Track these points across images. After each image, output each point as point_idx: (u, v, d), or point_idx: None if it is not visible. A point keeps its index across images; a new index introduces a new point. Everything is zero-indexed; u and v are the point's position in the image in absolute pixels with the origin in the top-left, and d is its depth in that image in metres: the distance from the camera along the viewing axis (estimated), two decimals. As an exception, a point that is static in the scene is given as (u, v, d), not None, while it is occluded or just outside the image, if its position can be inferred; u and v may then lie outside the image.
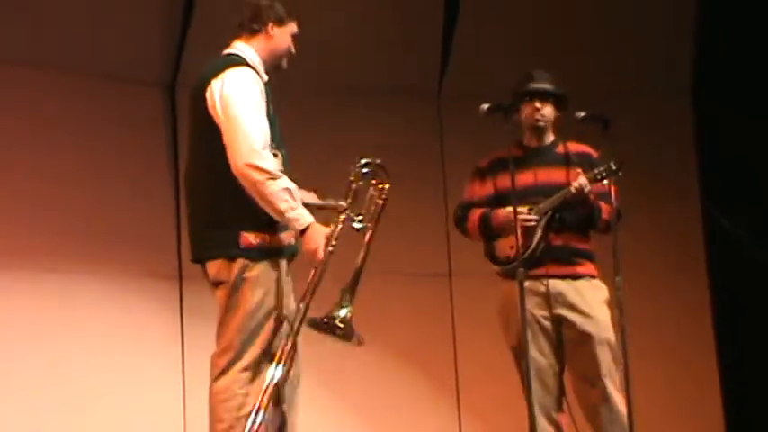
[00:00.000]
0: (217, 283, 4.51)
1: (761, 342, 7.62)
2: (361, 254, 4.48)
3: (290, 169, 4.56)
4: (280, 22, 4.64)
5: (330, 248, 4.38)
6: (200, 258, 4.57)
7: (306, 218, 4.37)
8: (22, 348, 6.71)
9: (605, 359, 5.29)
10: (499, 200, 5.43)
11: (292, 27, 4.68)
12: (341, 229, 4.45)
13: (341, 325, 4.39)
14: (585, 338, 5.31)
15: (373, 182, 4.57)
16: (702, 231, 7.99)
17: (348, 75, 7.67)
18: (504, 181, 5.35)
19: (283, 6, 4.70)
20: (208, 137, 4.47)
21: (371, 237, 4.52)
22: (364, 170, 4.57)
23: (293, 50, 4.70)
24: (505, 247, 5.41)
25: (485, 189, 5.50)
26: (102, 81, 7.20)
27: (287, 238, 4.50)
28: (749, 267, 7.71)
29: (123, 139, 7.20)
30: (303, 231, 4.38)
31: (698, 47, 8.02)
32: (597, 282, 5.39)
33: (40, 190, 6.91)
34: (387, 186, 4.59)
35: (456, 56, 7.81)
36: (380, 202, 4.56)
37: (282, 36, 4.65)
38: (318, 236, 4.38)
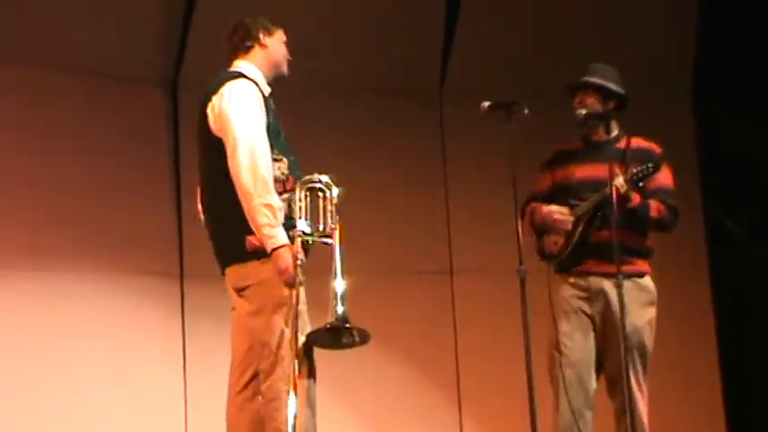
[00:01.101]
0: (239, 290, 4.60)
1: (763, 342, 7.61)
2: (336, 260, 4.50)
3: (299, 175, 4.65)
4: (269, 33, 4.81)
5: (299, 263, 4.44)
6: (222, 267, 4.69)
7: (280, 239, 4.45)
8: (24, 347, 6.71)
9: (634, 365, 5.24)
10: (555, 193, 5.44)
11: (281, 35, 4.85)
12: (301, 244, 4.49)
13: (347, 325, 4.41)
14: (617, 341, 5.21)
15: (319, 194, 4.60)
16: (704, 231, 7.98)
17: (349, 75, 7.67)
18: (560, 174, 5.42)
19: (266, 18, 4.86)
20: (212, 151, 4.60)
21: (340, 240, 4.55)
22: (309, 186, 4.59)
23: (289, 57, 4.85)
24: (550, 242, 5.42)
25: (545, 182, 5.50)
26: (103, 80, 7.21)
27: (291, 236, 4.54)
28: (751, 267, 7.70)
29: (125, 138, 7.21)
30: (274, 250, 4.45)
31: (698, 47, 8.02)
32: (645, 281, 5.33)
33: (41, 188, 6.92)
34: (332, 191, 4.60)
35: (457, 55, 7.81)
36: (332, 207, 4.59)
37: (276, 44, 4.82)
38: (287, 255, 4.45)
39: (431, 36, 7.79)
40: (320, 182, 4.58)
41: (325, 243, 4.54)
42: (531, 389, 4.96)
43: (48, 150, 6.99)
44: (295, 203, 4.56)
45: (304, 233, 4.49)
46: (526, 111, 5.14)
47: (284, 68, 4.84)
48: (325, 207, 4.58)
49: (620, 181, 5.23)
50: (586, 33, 7.84)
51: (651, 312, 5.35)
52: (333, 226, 4.54)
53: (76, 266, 6.96)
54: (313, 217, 4.56)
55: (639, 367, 5.29)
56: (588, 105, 5.46)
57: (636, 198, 5.29)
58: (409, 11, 7.68)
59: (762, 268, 7.65)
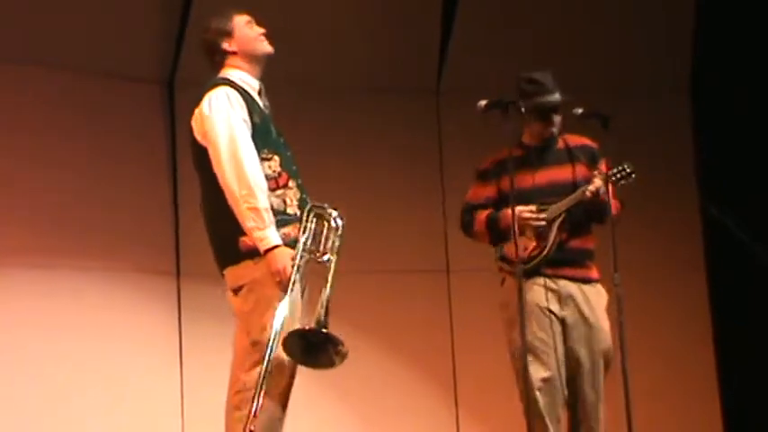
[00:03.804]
0: (235, 290, 4.62)
1: (760, 342, 7.61)
2: (327, 287, 4.48)
3: (294, 171, 4.66)
4: (228, 35, 4.71)
5: (295, 269, 4.44)
6: (221, 271, 4.69)
7: (270, 240, 4.45)
8: (20, 344, 6.70)
9: (599, 371, 5.30)
10: (504, 202, 5.33)
11: (240, 24, 4.73)
12: (301, 257, 4.49)
13: (324, 330, 4.37)
14: (588, 350, 5.31)
15: (325, 223, 4.59)
16: (701, 231, 7.99)
17: (345, 73, 7.67)
18: (508, 182, 5.23)
19: (220, 14, 4.76)
20: (201, 159, 4.62)
21: (334, 270, 4.54)
22: (311, 214, 4.58)
23: (261, 30, 4.74)
24: (518, 248, 5.21)
25: (489, 191, 5.42)
26: (100, 78, 7.20)
27: (286, 233, 4.54)
28: (748, 267, 7.70)
29: (121, 136, 7.20)
30: (267, 252, 4.45)
31: (696, 47, 8.02)
32: (600, 286, 5.35)
33: (37, 187, 6.91)
34: (338, 223, 4.59)
35: (454, 54, 7.81)
36: (337, 240, 4.57)
37: (241, 40, 4.72)
38: (284, 256, 4.45)
39: (427, 35, 7.78)
40: (330, 213, 4.58)
41: (319, 263, 4.53)
42: (527, 387, 4.96)
43: (45, 148, 6.98)
44: (291, 198, 4.58)
45: (311, 253, 4.51)
46: (523, 109, 5.14)
47: (264, 49, 4.72)
48: (327, 235, 4.57)
49: (598, 183, 5.22)
50: (585, 34, 7.86)
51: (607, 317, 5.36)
52: (330, 256, 4.53)
53: (73, 264, 6.96)
54: (315, 240, 4.55)
55: (602, 373, 5.31)
56: (559, 121, 5.39)
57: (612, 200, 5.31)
58: (405, 9, 7.68)
59: (759, 267, 7.65)
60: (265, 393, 4.39)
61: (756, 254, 7.58)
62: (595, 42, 7.87)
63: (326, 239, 4.56)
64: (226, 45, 4.70)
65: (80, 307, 6.92)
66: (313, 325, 4.40)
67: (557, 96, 5.40)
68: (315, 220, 4.56)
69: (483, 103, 5.08)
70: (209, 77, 4.76)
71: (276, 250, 4.44)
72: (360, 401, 7.39)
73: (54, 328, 6.81)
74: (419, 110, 7.81)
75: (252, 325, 4.54)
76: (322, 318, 4.39)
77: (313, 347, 4.42)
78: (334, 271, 4.52)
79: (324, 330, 4.37)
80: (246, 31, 4.72)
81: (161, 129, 7.34)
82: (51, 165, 6.96)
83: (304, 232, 4.53)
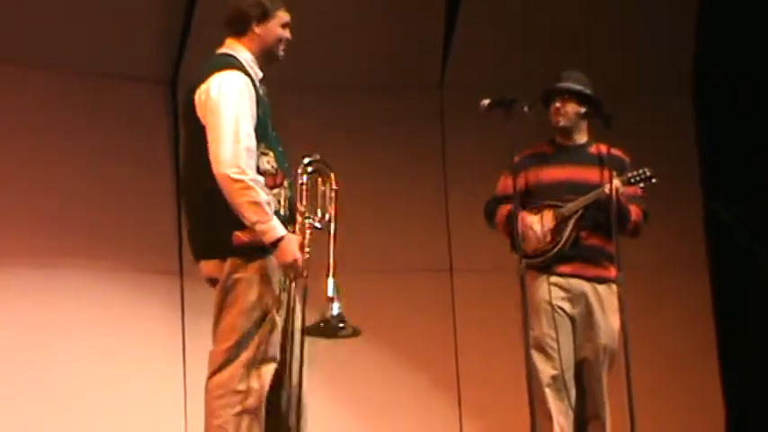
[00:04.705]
0: (212, 281, 4.53)
1: (762, 341, 7.60)
2: (331, 250, 4.42)
3: (287, 168, 4.56)
4: (264, 19, 4.57)
5: (306, 256, 4.38)
6: (197, 257, 4.59)
7: (276, 231, 4.34)
8: (25, 345, 6.74)
9: (603, 369, 5.41)
10: (529, 194, 5.47)
11: (280, 18, 4.61)
12: (308, 232, 4.42)
13: (341, 325, 4.35)
14: (594, 346, 5.40)
15: (320, 179, 4.51)
16: (704, 230, 7.98)
17: (348, 70, 7.67)
18: (534, 175, 5.44)
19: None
20: (199, 140, 4.46)
21: (336, 231, 4.46)
22: (309, 169, 4.49)
23: (288, 36, 4.64)
24: (533, 241, 5.43)
25: (518, 183, 5.39)
26: (103, 79, 7.22)
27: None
28: (751, 266, 7.69)
29: (126, 137, 7.22)
30: (275, 243, 4.35)
31: (699, 44, 8.01)
32: (614, 286, 5.37)
33: (39, 187, 6.93)
34: (332, 176, 4.50)
35: (457, 51, 7.80)
36: (333, 194, 4.48)
37: (270, 31, 4.58)
38: (293, 246, 4.36)
39: (431, 31, 7.78)
40: (323, 163, 4.49)
41: (319, 229, 4.43)
42: (530, 387, 4.96)
43: (48, 149, 7.02)
44: (284, 199, 4.48)
45: (313, 226, 4.42)
46: (525, 108, 5.14)
47: (279, 52, 4.62)
48: (324, 192, 4.49)
49: (617, 184, 5.27)
50: (587, 30, 7.84)
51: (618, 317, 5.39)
52: (329, 215, 4.45)
53: (77, 264, 6.98)
54: (312, 203, 4.46)
55: (607, 371, 5.40)
56: (569, 111, 5.48)
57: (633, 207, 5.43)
58: (408, 5, 7.68)
59: (762, 266, 7.64)
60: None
61: (758, 251, 7.58)
62: (599, 39, 7.85)
63: (324, 198, 4.47)
64: (254, 24, 4.56)
65: (83, 307, 6.94)
66: (328, 317, 4.34)
67: (565, 84, 5.46)
68: (310, 179, 4.45)
69: (486, 102, 5.10)
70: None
71: (284, 242, 4.34)
72: (362, 401, 7.39)
73: (57, 328, 6.83)
74: (422, 107, 7.80)
75: (220, 319, 4.45)
76: (334, 311, 4.32)
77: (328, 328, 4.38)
78: (335, 240, 4.41)
79: (341, 324, 4.34)
80: (279, 30, 4.60)
81: (163, 128, 7.34)
82: (51, 165, 6.98)
83: (302, 200, 4.42)
